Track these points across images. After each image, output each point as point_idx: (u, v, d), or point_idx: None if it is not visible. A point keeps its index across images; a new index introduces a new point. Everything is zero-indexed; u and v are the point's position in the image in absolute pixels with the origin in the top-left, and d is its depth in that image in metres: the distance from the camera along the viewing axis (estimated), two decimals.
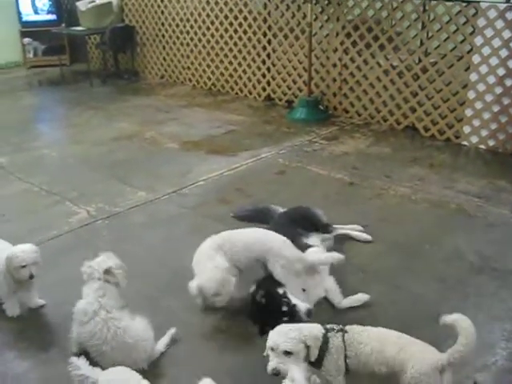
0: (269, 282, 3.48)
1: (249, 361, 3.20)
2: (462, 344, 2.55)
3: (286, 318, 3.18)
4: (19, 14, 11.18)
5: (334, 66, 7.68)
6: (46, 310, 3.73)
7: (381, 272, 4.01)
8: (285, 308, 3.27)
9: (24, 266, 3.45)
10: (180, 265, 4.16)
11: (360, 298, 3.70)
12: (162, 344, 3.29)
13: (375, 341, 2.64)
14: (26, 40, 11.32)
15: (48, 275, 3.91)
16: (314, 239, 4.09)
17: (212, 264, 3.48)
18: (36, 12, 11.31)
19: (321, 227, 4.31)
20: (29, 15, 11.25)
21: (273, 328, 2.71)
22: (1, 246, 3.66)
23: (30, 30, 11.23)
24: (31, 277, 3.48)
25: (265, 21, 8.27)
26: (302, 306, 3.27)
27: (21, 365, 3.26)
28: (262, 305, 3.34)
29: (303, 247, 3.89)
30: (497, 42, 6.10)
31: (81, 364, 2.69)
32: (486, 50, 6.19)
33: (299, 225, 4.20)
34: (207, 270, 3.47)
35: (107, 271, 3.27)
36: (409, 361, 2.57)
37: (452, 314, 2.64)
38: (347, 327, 2.73)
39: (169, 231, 4.74)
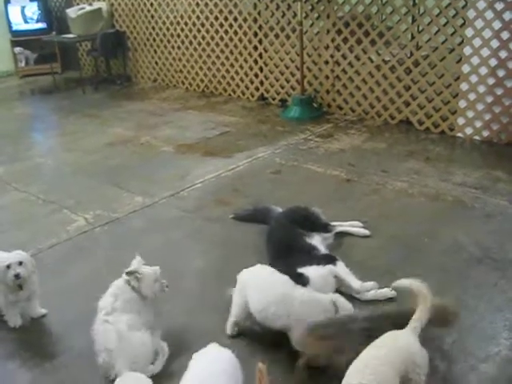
0: None
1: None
2: (424, 309, 2.67)
3: None
4: (9, 23, 11.18)
5: (326, 63, 7.69)
6: (48, 319, 3.72)
7: (380, 266, 4.01)
8: None
9: (8, 267, 3.43)
10: (181, 268, 4.18)
11: (386, 292, 3.69)
12: (157, 365, 3.17)
13: None
14: (18, 49, 11.33)
15: (49, 283, 3.91)
16: (316, 239, 4.09)
17: None
18: (26, 21, 11.32)
19: (320, 226, 4.31)
20: (19, 24, 11.26)
21: None
22: None
23: (20, 39, 11.24)
24: (17, 276, 3.42)
25: (255, 21, 8.27)
26: None
27: (25, 375, 3.25)
28: None
29: (307, 248, 3.90)
30: (487, 33, 6.10)
31: None
32: (477, 42, 6.19)
33: (299, 225, 4.20)
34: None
35: (130, 273, 3.27)
36: None
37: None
38: None
39: (168, 235, 4.74)
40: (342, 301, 3.23)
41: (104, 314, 3.14)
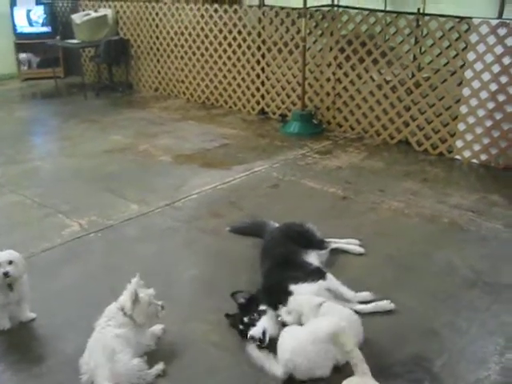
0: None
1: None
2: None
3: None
4: (14, 25, 11.21)
5: (328, 80, 7.72)
6: (37, 323, 3.68)
7: (373, 285, 3.99)
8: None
9: None
10: (174, 277, 4.16)
11: (385, 305, 3.70)
12: (150, 374, 3.15)
13: None
14: (22, 56, 11.35)
15: (40, 287, 3.89)
16: (311, 256, 4.08)
17: None
18: (31, 24, 11.37)
19: (315, 243, 4.30)
20: (23, 27, 11.29)
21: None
22: None
23: (24, 41, 11.27)
24: (6, 275, 3.40)
25: (259, 35, 8.32)
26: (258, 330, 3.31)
27: (11, 379, 3.21)
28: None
29: (301, 264, 3.89)
30: (489, 58, 6.14)
31: None
32: (479, 66, 6.23)
33: (294, 241, 4.19)
34: None
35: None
36: None
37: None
38: None
39: (162, 244, 4.72)
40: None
41: (98, 331, 3.15)
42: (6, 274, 3.42)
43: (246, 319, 3.38)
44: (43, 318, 3.72)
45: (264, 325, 3.32)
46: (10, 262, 3.45)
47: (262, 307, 3.44)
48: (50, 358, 3.35)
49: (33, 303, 3.71)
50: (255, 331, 3.29)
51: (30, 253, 4.46)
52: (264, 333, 3.28)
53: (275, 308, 3.44)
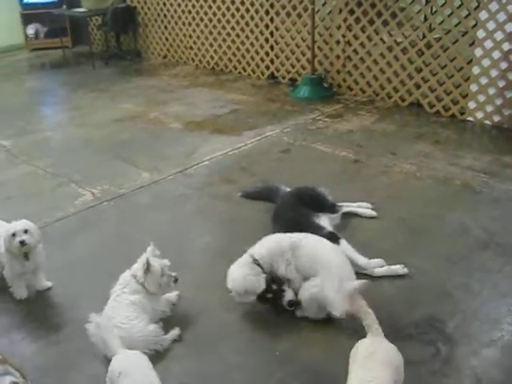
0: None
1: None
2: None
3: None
4: None
5: (338, 43, 7.62)
6: (54, 292, 3.75)
7: (386, 248, 4.01)
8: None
9: (14, 235, 3.46)
10: (187, 244, 4.19)
11: (398, 270, 3.72)
12: (166, 339, 3.22)
13: None
14: (30, 30, 11.29)
15: (54, 257, 3.94)
16: (323, 219, 4.09)
17: None
18: None
19: (327, 207, 4.30)
20: None
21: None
22: (1, 229, 3.65)
23: (30, 12, 11.18)
24: (22, 243, 3.45)
25: None
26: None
27: (30, 345, 3.29)
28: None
29: (313, 227, 3.89)
30: (502, 17, 6.02)
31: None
32: (491, 25, 6.11)
33: (306, 204, 4.20)
34: None
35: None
36: None
37: None
38: None
39: (174, 212, 4.75)
40: None
41: (113, 298, 3.22)
42: (22, 243, 3.46)
43: (274, 286, 3.39)
44: (59, 286, 3.78)
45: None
46: (26, 231, 3.49)
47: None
48: (67, 325, 3.42)
49: (48, 272, 3.77)
50: (289, 295, 3.34)
51: (44, 223, 4.50)
52: (296, 295, 3.35)
53: None
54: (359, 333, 2.72)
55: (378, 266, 3.75)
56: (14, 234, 3.47)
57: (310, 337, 3.25)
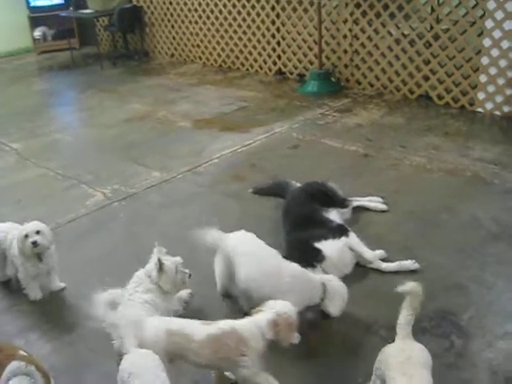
0: None
1: None
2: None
3: None
4: (27, 0, 11.16)
5: (345, 37, 7.60)
6: (67, 293, 3.77)
7: (398, 241, 4.00)
8: None
9: (26, 236, 3.50)
10: (198, 243, 4.19)
11: (410, 265, 3.71)
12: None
13: None
14: (38, 32, 11.34)
15: (67, 257, 3.96)
16: (333, 214, 4.09)
17: None
18: None
19: (337, 201, 4.29)
20: (36, 0, 11.23)
21: None
22: (15, 231, 3.68)
23: (38, 15, 11.22)
24: (34, 244, 3.48)
25: None
26: None
27: (44, 346, 3.31)
28: None
29: (323, 222, 3.89)
30: (510, 6, 5.97)
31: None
32: (500, 15, 6.07)
33: (316, 199, 4.19)
34: None
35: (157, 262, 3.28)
36: None
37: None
38: None
39: (185, 210, 4.76)
40: (335, 284, 3.23)
41: (126, 298, 3.20)
42: (34, 244, 3.49)
43: None
44: (72, 287, 3.80)
45: None
46: (38, 232, 3.52)
47: None
48: (80, 326, 3.44)
49: (62, 273, 3.79)
50: None
51: (57, 224, 4.53)
52: None
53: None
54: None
55: (380, 257, 3.77)
56: (26, 236, 3.50)
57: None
